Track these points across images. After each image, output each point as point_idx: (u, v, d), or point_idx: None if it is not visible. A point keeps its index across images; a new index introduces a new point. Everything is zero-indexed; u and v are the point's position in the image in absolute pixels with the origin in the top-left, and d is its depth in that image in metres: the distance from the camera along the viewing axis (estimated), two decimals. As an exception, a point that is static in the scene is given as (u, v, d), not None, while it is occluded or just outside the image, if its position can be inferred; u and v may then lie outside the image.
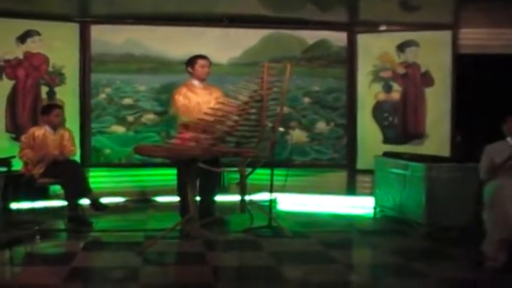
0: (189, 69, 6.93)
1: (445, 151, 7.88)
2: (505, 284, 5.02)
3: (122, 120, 7.93)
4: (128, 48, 7.96)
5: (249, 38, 8.14)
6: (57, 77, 7.77)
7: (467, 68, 7.93)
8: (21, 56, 7.65)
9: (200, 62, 6.89)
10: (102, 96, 7.91)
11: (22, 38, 7.65)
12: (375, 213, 7.68)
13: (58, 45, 7.79)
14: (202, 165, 6.23)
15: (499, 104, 7.14)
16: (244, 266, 5.63)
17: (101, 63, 7.89)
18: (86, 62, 7.86)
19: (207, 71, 6.91)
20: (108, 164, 7.97)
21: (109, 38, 7.92)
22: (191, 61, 6.93)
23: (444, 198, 6.69)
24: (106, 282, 4.96)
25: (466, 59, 7.97)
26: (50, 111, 7.00)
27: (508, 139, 5.79)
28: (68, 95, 7.81)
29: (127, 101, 7.95)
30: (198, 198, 6.64)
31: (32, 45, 7.69)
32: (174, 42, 7.97)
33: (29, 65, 7.67)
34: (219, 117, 6.08)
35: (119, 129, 7.93)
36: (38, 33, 7.70)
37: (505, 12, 7.75)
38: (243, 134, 6.26)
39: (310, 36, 8.26)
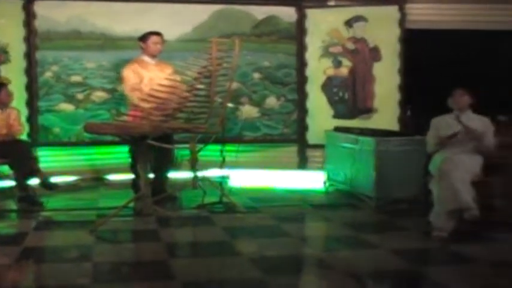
0: (142, 44, 6.86)
1: (394, 125, 8.00)
2: (452, 253, 5.15)
3: (70, 98, 7.79)
4: (74, 24, 7.79)
5: (198, 14, 8.07)
6: (1, 55, 7.59)
7: (415, 43, 8.02)
8: (-37, 34, 7.46)
9: (153, 38, 6.83)
10: (49, 74, 7.74)
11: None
12: (326, 187, 7.76)
13: (1, 22, 7.59)
14: (152, 142, 6.20)
15: (447, 78, 7.27)
16: (197, 241, 5.66)
17: (47, 40, 7.72)
18: (31, 39, 7.67)
19: (159, 48, 6.85)
20: (58, 143, 7.82)
21: (54, 14, 7.72)
22: (144, 37, 6.85)
23: (393, 171, 6.79)
24: (59, 261, 4.91)
25: (414, 34, 8.06)
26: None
27: (454, 112, 5.92)
28: (14, 73, 7.61)
29: (75, 78, 7.81)
30: (151, 176, 6.62)
31: (-26, 23, 7.51)
32: (122, 19, 7.85)
33: (-28, 44, 7.50)
34: (168, 93, 6.05)
35: (68, 107, 7.79)
36: (-20, 11, 7.51)
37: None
38: (193, 110, 6.25)
39: (260, 11, 8.24)
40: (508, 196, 6.13)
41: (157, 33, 6.87)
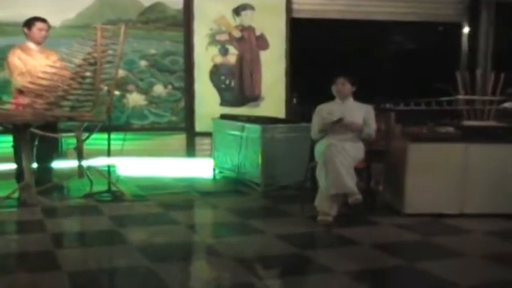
0: (26, 31, 6.62)
1: (281, 113, 8.15)
2: (336, 236, 5.31)
3: None
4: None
5: (82, 0, 7.89)
6: None
7: (302, 32, 8.19)
8: None
9: (38, 24, 6.61)
10: None
11: None
12: (214, 174, 7.82)
13: None
14: (35, 131, 6.05)
15: (332, 66, 7.46)
16: (85, 231, 5.60)
17: None
18: None
19: (44, 34, 6.64)
20: None
21: None
22: (29, 23, 6.62)
23: (279, 158, 6.94)
24: None
25: (300, 23, 8.22)
26: None
27: (336, 100, 6.10)
28: None
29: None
30: (35, 165, 6.45)
31: None
32: (4, 3, 7.54)
33: None
34: (52, 81, 5.92)
35: None
36: None
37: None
38: (78, 98, 6.15)
39: (147, -2, 8.17)
40: (389, 181, 6.40)
41: (43, 20, 6.66)
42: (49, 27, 6.71)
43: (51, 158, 6.91)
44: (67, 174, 7.07)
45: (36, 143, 6.58)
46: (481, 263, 4.68)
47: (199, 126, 8.32)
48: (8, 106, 6.36)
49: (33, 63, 6.52)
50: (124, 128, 7.63)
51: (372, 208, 6.05)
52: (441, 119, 6.30)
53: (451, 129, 6.06)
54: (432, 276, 4.34)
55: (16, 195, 6.21)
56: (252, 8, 8.27)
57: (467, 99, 6.38)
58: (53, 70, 6.05)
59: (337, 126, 5.87)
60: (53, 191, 6.70)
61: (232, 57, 8.34)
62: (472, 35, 8.52)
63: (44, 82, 5.98)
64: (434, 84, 6.50)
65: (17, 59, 6.50)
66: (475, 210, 5.89)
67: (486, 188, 5.89)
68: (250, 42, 8.31)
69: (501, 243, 5.26)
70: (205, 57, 8.30)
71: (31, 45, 6.64)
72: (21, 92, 6.31)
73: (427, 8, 8.50)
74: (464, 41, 8.65)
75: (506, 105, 6.61)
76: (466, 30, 8.58)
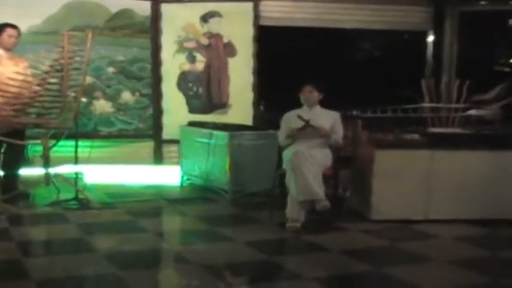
0: None
1: (248, 120, 8.16)
2: (304, 242, 5.35)
3: None
4: None
5: (49, 5, 7.81)
6: None
7: (269, 40, 8.23)
8: None
9: (9, 31, 6.54)
10: None
11: None
12: (182, 182, 7.80)
13: None
14: (1, 138, 6.00)
15: (299, 74, 7.51)
16: (52, 239, 5.55)
17: None
18: None
19: (13, 41, 6.56)
20: None
21: None
22: None
23: (247, 165, 6.96)
24: None
25: (268, 31, 8.26)
26: None
27: (304, 107, 6.15)
28: None
29: None
30: (1, 173, 6.37)
31: None
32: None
33: None
34: (20, 88, 5.87)
35: None
36: None
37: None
38: (44, 105, 6.11)
39: (114, 4, 8.10)
40: (356, 188, 6.46)
41: (13, 26, 6.59)
42: (19, 34, 6.64)
43: (18, 166, 6.82)
44: (34, 182, 7.00)
45: (2, 150, 6.51)
46: (447, 268, 4.75)
47: (166, 134, 8.30)
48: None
49: (2, 70, 6.44)
50: (91, 135, 7.57)
51: (340, 214, 6.09)
52: (407, 126, 6.37)
53: (416, 136, 6.14)
54: (399, 281, 4.40)
55: (-19, 203, 6.13)
56: (219, 15, 8.28)
57: (432, 107, 6.48)
58: (21, 77, 6.00)
59: (305, 130, 5.91)
60: (19, 199, 6.60)
61: (200, 65, 8.34)
62: (437, 43, 8.64)
63: (12, 89, 5.93)
64: (400, 91, 6.59)
65: (-17, 65, 6.44)
66: (441, 216, 5.97)
67: (451, 194, 5.98)
68: (217, 50, 8.32)
69: (467, 248, 5.34)
70: (173, 64, 8.29)
71: (0, 51, 6.57)
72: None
73: (393, 16, 8.58)
74: (430, 49, 8.75)
75: (471, 112, 6.71)
76: (431, 38, 8.70)
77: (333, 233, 5.65)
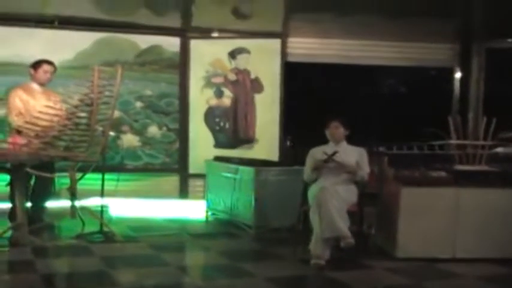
0: (32, 71, 6.67)
1: (274, 155, 8.17)
2: (329, 280, 5.29)
3: None
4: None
5: (81, 41, 7.97)
6: None
7: (296, 76, 8.26)
8: None
9: (45, 67, 6.67)
10: None
11: None
12: (207, 216, 7.80)
13: None
14: (31, 171, 6.07)
15: (326, 110, 7.52)
16: (75, 272, 5.55)
17: None
18: None
19: (48, 77, 6.69)
20: None
21: None
22: (36, 64, 6.67)
23: (272, 201, 6.94)
24: None
25: (295, 67, 8.30)
26: None
27: (330, 143, 6.14)
28: None
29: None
30: (28, 204, 6.44)
31: None
32: (3, 43, 7.63)
33: None
34: (48, 121, 5.95)
35: None
36: None
37: (332, 23, 8.05)
38: (72, 138, 6.17)
39: (143, 40, 8.24)
40: (381, 225, 6.39)
41: (50, 62, 6.73)
42: (55, 70, 6.77)
43: (45, 198, 6.90)
44: (59, 214, 7.05)
45: (32, 182, 6.60)
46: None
47: (192, 168, 8.34)
48: (5, 145, 6.36)
49: (34, 104, 6.54)
50: (118, 168, 7.62)
51: (364, 252, 6.02)
52: (433, 163, 6.32)
53: (443, 173, 6.09)
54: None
55: (8, 234, 6.18)
56: (247, 51, 8.36)
57: (459, 144, 6.42)
58: (52, 111, 6.09)
59: (331, 165, 5.89)
60: (45, 231, 6.65)
61: (227, 100, 8.40)
62: (464, 79, 8.61)
63: (42, 122, 6.02)
64: (427, 128, 6.55)
65: (18, 100, 6.55)
66: (467, 254, 5.88)
67: (477, 232, 5.89)
68: (244, 85, 8.38)
69: (492, 288, 5.26)
70: (200, 99, 8.37)
71: (34, 85, 6.69)
72: (18, 132, 6.33)
73: (419, 53, 8.59)
74: (456, 85, 8.73)
75: (498, 150, 6.65)
76: (458, 75, 8.68)
77: (357, 271, 5.59)
